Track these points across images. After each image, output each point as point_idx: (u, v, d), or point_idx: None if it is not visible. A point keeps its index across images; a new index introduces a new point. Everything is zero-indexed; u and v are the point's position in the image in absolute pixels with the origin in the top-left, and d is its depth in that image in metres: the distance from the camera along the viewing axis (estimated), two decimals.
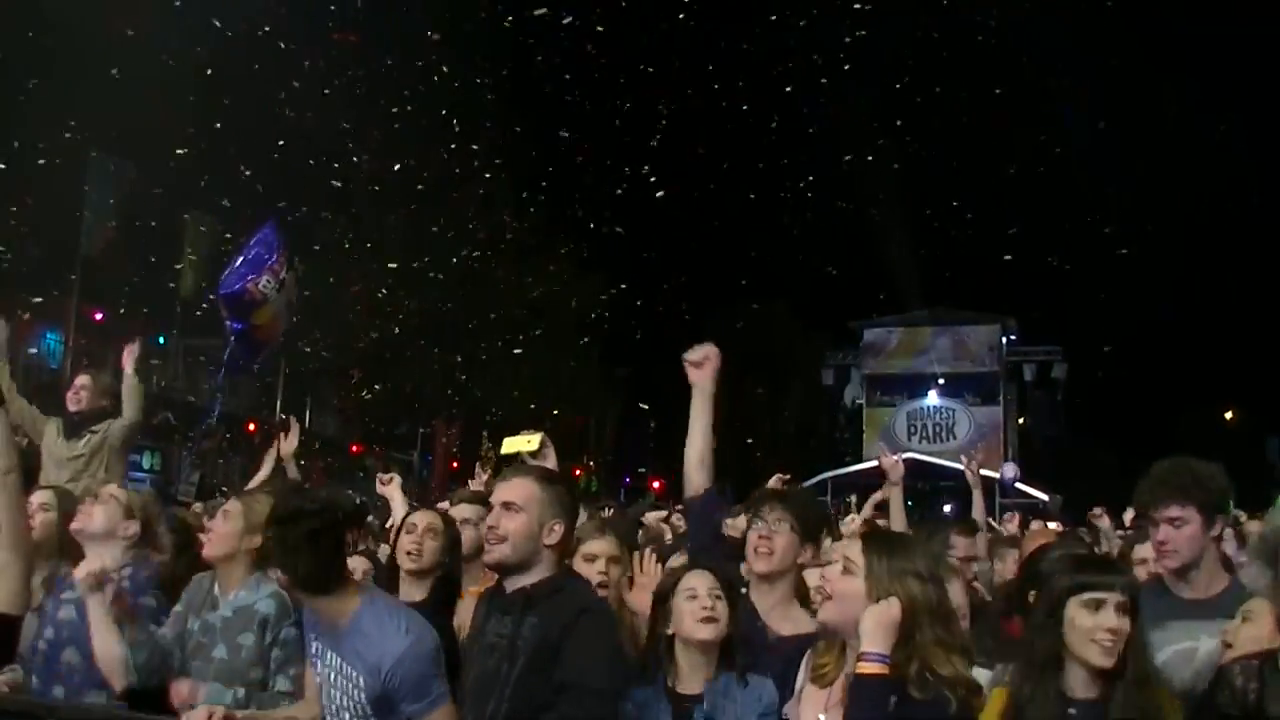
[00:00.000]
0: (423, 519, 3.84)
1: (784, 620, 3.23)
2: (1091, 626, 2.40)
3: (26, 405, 6.39)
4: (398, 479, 5.40)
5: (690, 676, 2.91)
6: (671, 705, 2.87)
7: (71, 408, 6.29)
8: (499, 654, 2.70)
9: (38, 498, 4.18)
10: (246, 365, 12.08)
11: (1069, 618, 2.43)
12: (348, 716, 2.90)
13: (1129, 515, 9.22)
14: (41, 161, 19.62)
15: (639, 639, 3.18)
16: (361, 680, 2.85)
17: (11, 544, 3.54)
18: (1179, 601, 3.05)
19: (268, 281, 9.43)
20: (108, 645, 3.37)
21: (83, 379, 6.44)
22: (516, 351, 27.66)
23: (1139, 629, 2.45)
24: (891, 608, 2.46)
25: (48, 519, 4.06)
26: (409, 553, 3.75)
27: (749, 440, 32.60)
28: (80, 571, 3.41)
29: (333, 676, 2.92)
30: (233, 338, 9.79)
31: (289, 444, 6.23)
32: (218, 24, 20.13)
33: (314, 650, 3.02)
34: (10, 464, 3.60)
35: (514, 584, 2.78)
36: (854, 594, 2.52)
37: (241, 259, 9.65)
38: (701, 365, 3.65)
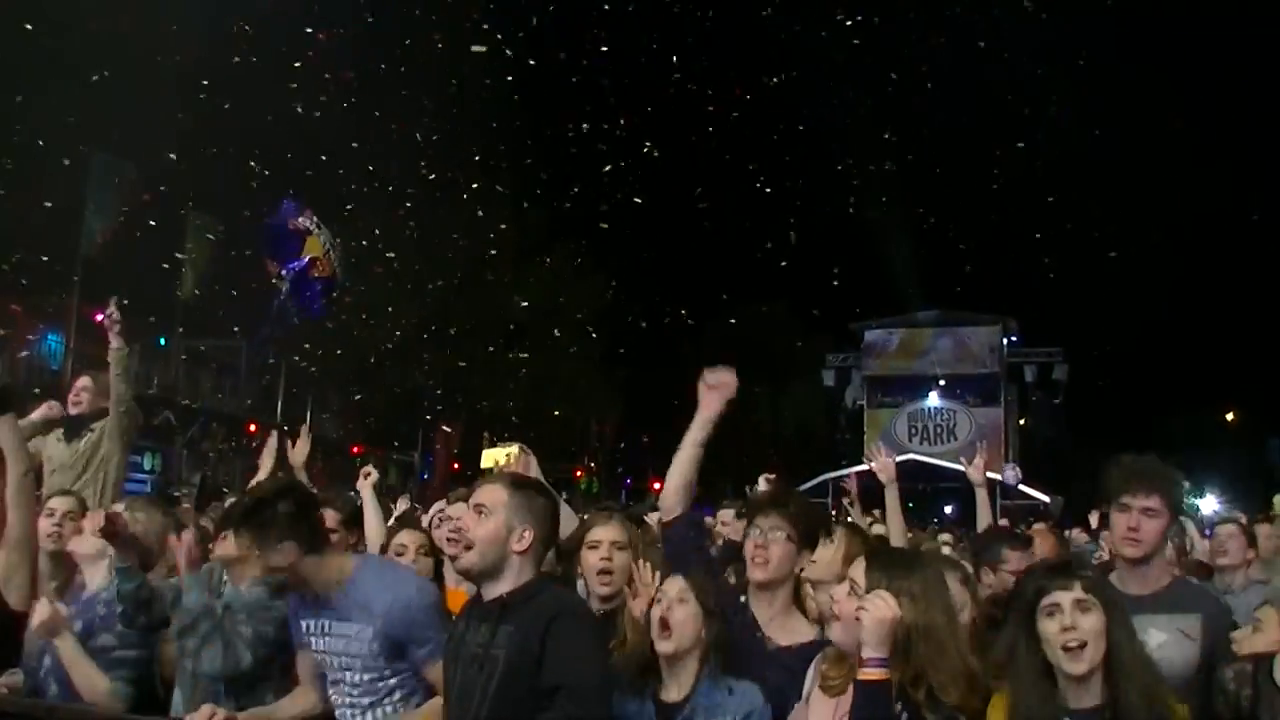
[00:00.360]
0: (412, 540, 3.98)
1: (782, 630, 3.19)
2: (1055, 632, 2.37)
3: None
4: (375, 475, 5.39)
5: (673, 685, 2.88)
6: (658, 714, 2.85)
7: (72, 411, 6.21)
8: (477, 663, 2.69)
9: (60, 504, 4.17)
10: (319, 309, 12.44)
11: (1040, 631, 2.41)
12: (358, 676, 2.98)
13: (1094, 517, 9.25)
14: (41, 161, 19.63)
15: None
16: (369, 630, 2.95)
17: (21, 545, 3.58)
18: (1125, 597, 3.03)
19: (305, 220, 9.94)
20: (89, 680, 3.41)
21: (83, 381, 6.36)
22: (518, 353, 27.69)
23: (1116, 624, 2.41)
24: (887, 607, 2.45)
25: (74, 528, 4.03)
26: None
27: (749, 441, 32.57)
28: (34, 626, 3.44)
29: (334, 644, 3.02)
30: (287, 286, 10.11)
31: (299, 452, 5.96)
32: (218, 24, 20.14)
33: (305, 630, 3.09)
34: (27, 466, 3.65)
35: (490, 592, 2.76)
36: None
37: (272, 224, 10.03)
38: (716, 389, 3.47)
